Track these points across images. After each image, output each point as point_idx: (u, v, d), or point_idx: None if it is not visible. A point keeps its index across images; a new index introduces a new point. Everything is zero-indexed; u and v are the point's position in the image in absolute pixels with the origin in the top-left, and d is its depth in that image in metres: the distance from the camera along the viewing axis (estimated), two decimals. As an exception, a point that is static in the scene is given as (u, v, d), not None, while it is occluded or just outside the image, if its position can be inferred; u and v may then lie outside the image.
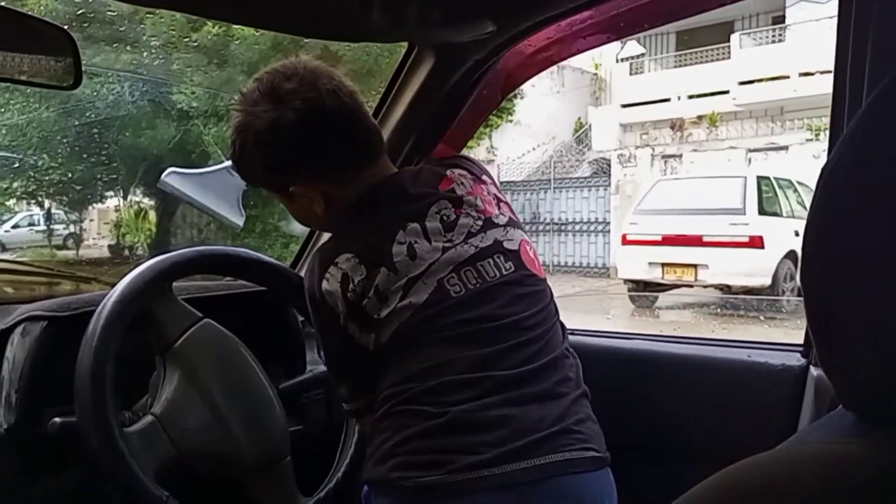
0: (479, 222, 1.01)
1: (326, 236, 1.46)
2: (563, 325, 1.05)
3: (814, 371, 1.06)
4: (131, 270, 1.11)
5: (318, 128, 1.00)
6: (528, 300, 0.99)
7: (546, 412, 0.92)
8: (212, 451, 1.11)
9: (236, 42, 5.80)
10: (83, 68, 1.04)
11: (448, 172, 1.05)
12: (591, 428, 0.96)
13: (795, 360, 1.11)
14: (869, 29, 0.89)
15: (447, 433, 0.90)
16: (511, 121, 13.52)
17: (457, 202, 1.01)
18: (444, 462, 0.89)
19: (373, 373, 1.00)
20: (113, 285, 1.09)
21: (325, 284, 0.99)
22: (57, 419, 1.04)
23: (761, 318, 6.69)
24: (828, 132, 1.05)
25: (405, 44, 1.26)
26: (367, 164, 1.04)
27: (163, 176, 1.39)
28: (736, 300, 7.29)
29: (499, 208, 1.05)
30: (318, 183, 1.03)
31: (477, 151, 13.12)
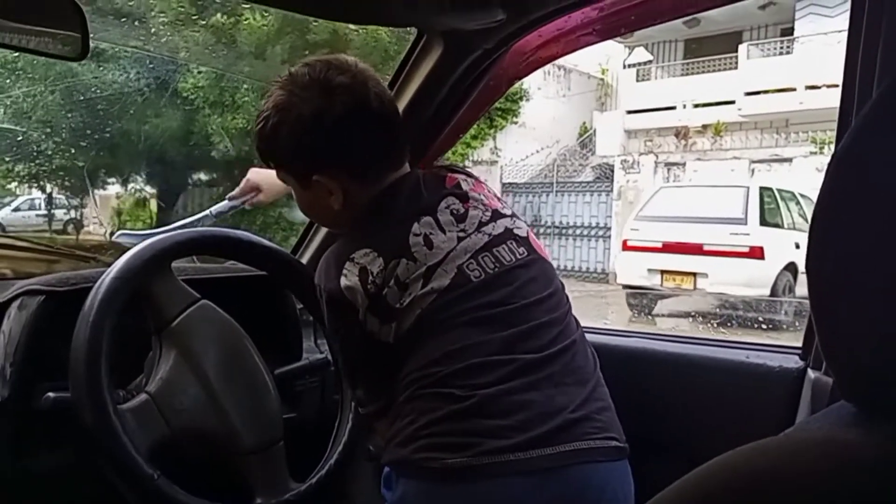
0: (488, 213, 1.04)
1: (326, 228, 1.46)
2: (574, 317, 1.06)
3: (811, 373, 1.05)
4: (131, 248, 1.10)
5: (361, 126, 1.02)
6: (544, 283, 1.02)
7: (570, 398, 0.94)
8: (205, 432, 1.11)
9: (245, 21, 5.79)
10: (90, 43, 1.03)
11: (449, 174, 1.09)
12: (610, 417, 0.98)
13: (793, 361, 1.11)
14: (879, 35, 0.89)
15: (474, 416, 0.91)
16: (516, 122, 13.50)
17: (463, 197, 1.04)
18: (470, 445, 0.90)
19: (390, 374, 1.00)
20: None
21: (343, 281, 0.99)
22: (50, 394, 1.04)
23: (760, 318, 6.68)
24: (832, 146, 1.05)
25: (414, 32, 1.25)
26: (394, 169, 1.07)
27: (114, 237, 1.38)
28: (735, 302, 7.27)
29: (501, 204, 1.09)
30: (344, 178, 1.04)
31: (480, 152, 13.12)
